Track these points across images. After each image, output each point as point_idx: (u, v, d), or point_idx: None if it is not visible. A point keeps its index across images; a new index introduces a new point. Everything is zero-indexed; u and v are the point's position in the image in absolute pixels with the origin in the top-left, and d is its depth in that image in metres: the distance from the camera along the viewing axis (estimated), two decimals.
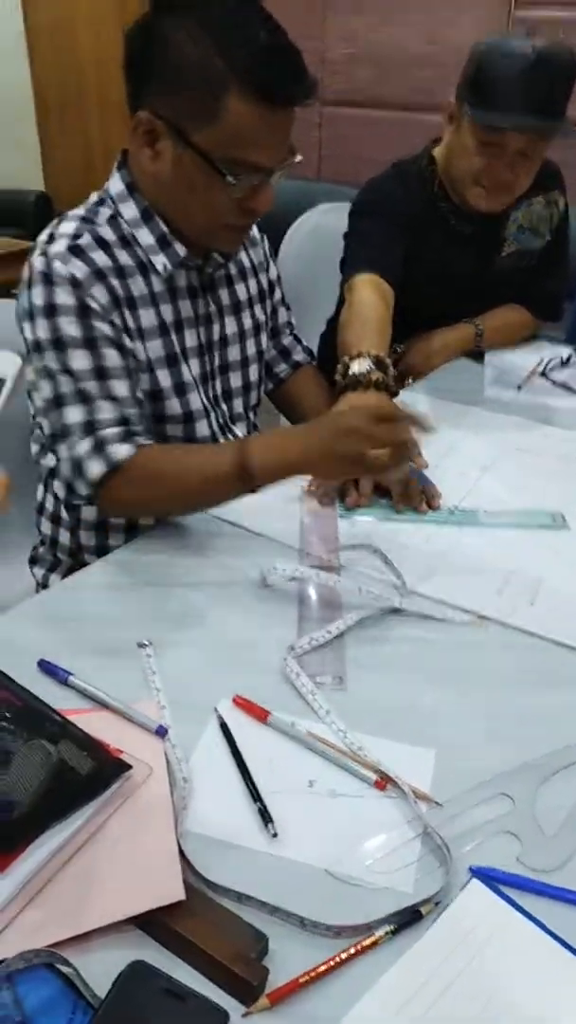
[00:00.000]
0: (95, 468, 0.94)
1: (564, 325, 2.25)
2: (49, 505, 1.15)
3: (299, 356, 1.32)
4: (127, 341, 0.98)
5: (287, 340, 1.30)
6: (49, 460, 1.08)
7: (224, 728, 0.74)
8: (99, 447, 0.94)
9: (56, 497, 1.13)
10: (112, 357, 0.95)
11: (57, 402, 0.95)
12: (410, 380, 1.50)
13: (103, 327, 0.94)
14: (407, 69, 3.27)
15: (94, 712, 0.75)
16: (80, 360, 0.93)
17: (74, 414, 0.94)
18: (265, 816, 0.66)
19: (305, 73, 0.88)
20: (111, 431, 0.94)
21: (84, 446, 0.94)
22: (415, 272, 1.49)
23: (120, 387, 0.96)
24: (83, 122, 4.21)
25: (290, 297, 1.84)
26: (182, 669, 0.81)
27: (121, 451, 0.94)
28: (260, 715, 0.76)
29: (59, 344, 0.93)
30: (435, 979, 0.56)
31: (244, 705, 0.77)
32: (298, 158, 0.94)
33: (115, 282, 0.96)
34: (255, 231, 1.19)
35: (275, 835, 0.65)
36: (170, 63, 0.87)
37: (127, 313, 0.98)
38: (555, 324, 1.72)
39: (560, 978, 0.56)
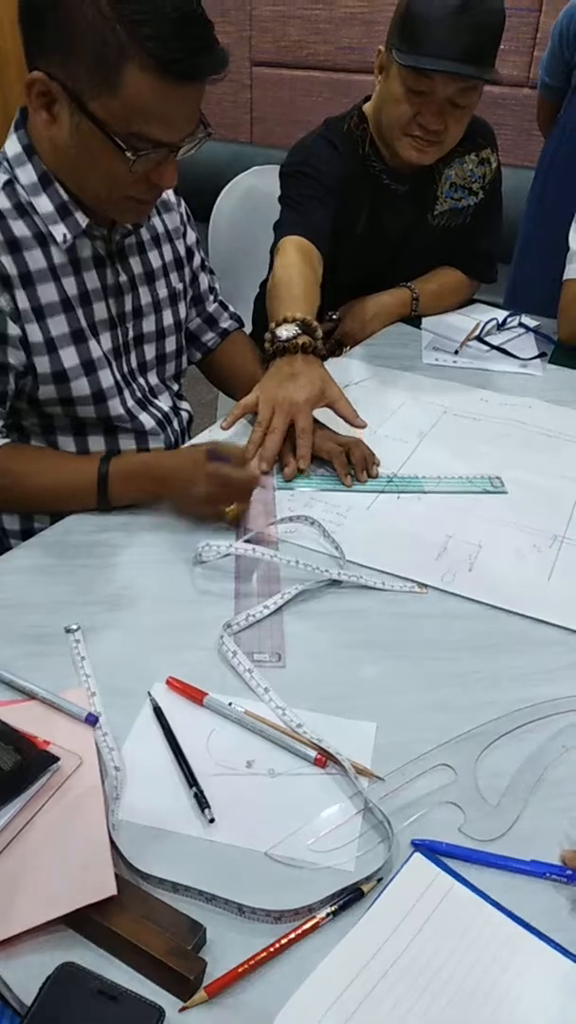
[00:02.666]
0: None
1: (502, 289, 2.26)
2: None
3: (226, 323, 1.28)
4: (10, 327, 0.92)
5: (212, 307, 1.26)
6: None
7: (158, 712, 0.72)
8: None
9: None
10: None
11: None
12: (347, 347, 1.48)
13: None
14: (337, 27, 3.21)
15: (20, 703, 0.72)
16: None
17: None
18: (201, 801, 0.64)
19: (213, 45, 0.81)
20: None
21: None
22: (348, 234, 1.46)
23: None
24: None
25: (223, 261, 1.80)
26: (113, 653, 0.78)
27: None
28: (196, 697, 0.73)
29: None
30: (377, 958, 0.55)
31: (179, 687, 0.74)
32: (209, 131, 0.89)
33: (7, 258, 0.90)
34: (170, 195, 1.13)
35: (212, 820, 0.63)
36: (64, 22, 0.79)
37: (19, 293, 0.91)
38: (491, 287, 1.71)
39: (504, 949, 0.56)
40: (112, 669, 0.76)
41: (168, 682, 0.75)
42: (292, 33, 3.34)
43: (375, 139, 1.45)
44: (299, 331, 1.11)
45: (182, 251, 1.14)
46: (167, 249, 1.11)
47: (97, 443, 1.06)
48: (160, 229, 1.10)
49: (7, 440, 0.97)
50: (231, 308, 1.29)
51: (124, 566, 0.89)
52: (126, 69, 0.79)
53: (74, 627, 0.80)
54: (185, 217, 1.16)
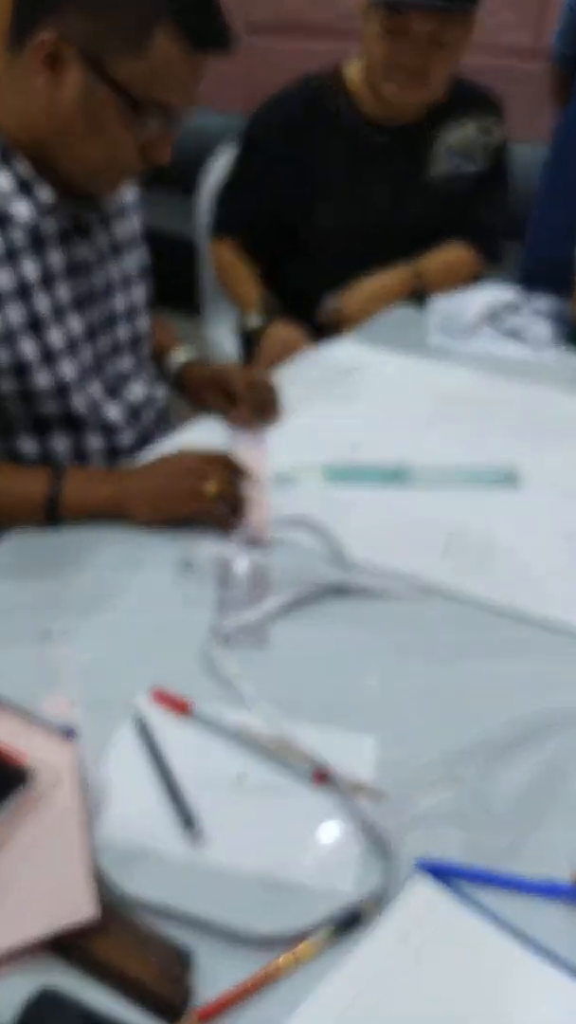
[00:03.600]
0: None
1: (514, 268, 2.26)
2: None
3: None
4: None
5: None
6: None
7: (143, 728, 0.72)
8: None
9: None
10: None
11: None
12: (346, 330, 1.48)
13: None
14: None
15: None
16: None
17: None
18: (188, 819, 0.64)
19: (226, 23, 0.89)
20: None
21: None
22: (324, 194, 1.51)
23: None
24: None
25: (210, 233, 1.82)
26: (93, 660, 0.78)
27: None
28: (182, 707, 0.73)
29: None
30: (376, 985, 0.55)
31: (164, 699, 0.74)
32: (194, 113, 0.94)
33: None
34: None
35: (200, 839, 0.63)
36: None
37: None
38: (503, 265, 1.71)
39: (515, 977, 0.56)
40: (92, 677, 0.76)
41: (154, 693, 0.75)
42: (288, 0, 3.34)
43: (354, 93, 1.49)
44: (264, 316, 1.31)
45: (138, 226, 1.14)
46: (135, 220, 1.11)
47: (62, 442, 1.05)
48: (125, 199, 1.09)
49: None
50: None
51: (105, 566, 0.89)
52: (157, 33, 0.84)
53: (53, 632, 0.80)
54: (139, 192, 1.16)
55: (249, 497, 0.97)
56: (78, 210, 0.99)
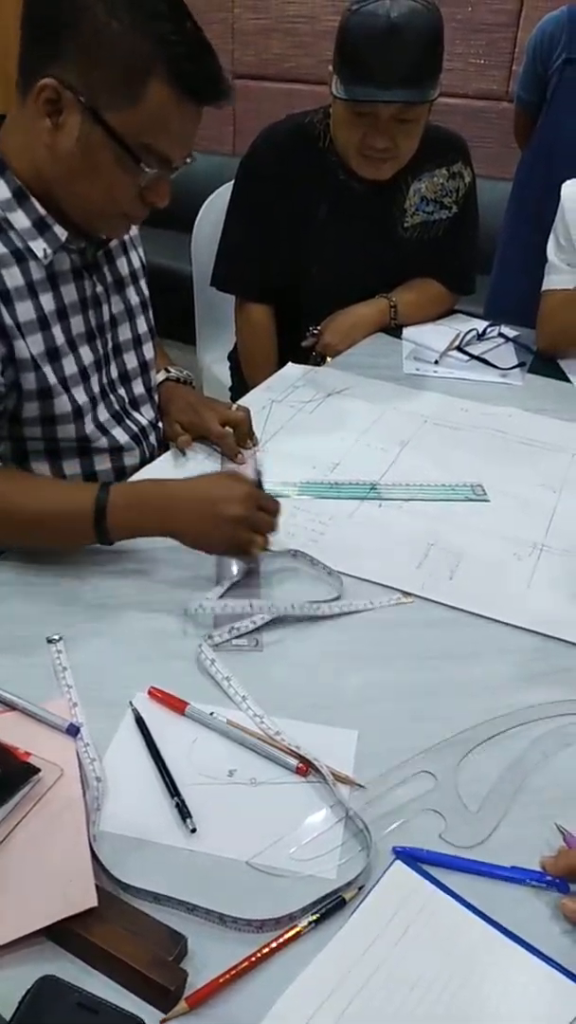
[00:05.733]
0: None
1: (481, 299, 2.28)
2: None
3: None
4: None
5: None
6: None
7: (140, 722, 0.71)
8: None
9: None
10: None
11: None
12: (328, 359, 1.48)
13: None
14: (319, 40, 3.23)
15: (0, 714, 0.71)
16: None
17: None
18: (183, 811, 0.64)
19: (224, 76, 0.86)
20: None
21: None
22: (309, 223, 1.50)
23: None
24: None
25: (205, 273, 1.81)
26: (94, 663, 0.77)
27: None
28: (178, 706, 0.73)
29: None
30: (359, 967, 0.55)
31: (161, 697, 0.74)
32: (194, 156, 0.92)
33: None
34: None
35: (194, 830, 0.62)
36: (88, 33, 0.80)
37: (1, 310, 0.89)
38: (471, 297, 1.73)
39: (485, 956, 0.56)
40: (94, 679, 0.76)
41: (150, 692, 0.74)
42: (274, 46, 3.36)
43: (336, 139, 1.46)
44: None
45: (144, 257, 1.14)
46: (134, 256, 1.11)
47: (72, 466, 1.03)
48: (125, 236, 1.08)
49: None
50: None
51: (105, 575, 0.89)
52: (151, 83, 0.82)
53: (56, 637, 0.79)
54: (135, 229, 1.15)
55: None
56: (86, 249, 0.98)
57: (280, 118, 1.55)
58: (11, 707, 0.72)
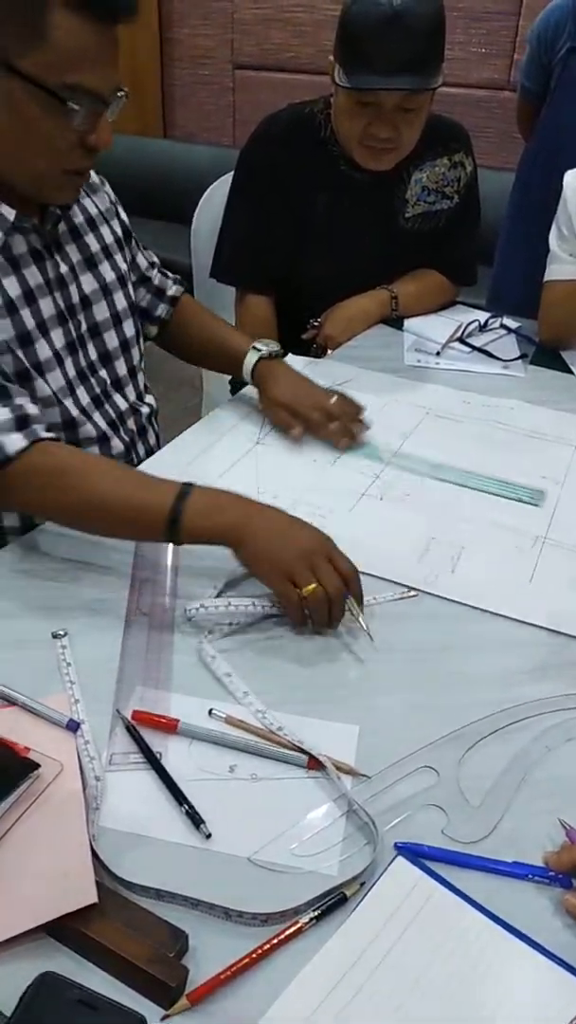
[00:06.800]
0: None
1: (483, 290, 2.27)
2: None
3: (172, 290, 1.24)
4: None
5: (157, 279, 1.23)
6: None
7: (131, 730, 0.70)
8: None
9: None
10: None
11: None
12: (329, 350, 1.48)
13: None
14: (319, 30, 3.21)
15: (1, 709, 0.71)
16: None
17: None
18: (195, 818, 0.63)
19: None
20: None
21: None
22: (309, 216, 1.49)
23: None
24: None
25: (205, 264, 1.80)
26: (98, 659, 0.77)
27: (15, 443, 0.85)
28: (169, 726, 0.70)
29: None
30: (361, 963, 0.54)
31: (146, 719, 0.71)
32: (125, 91, 0.87)
33: None
34: (94, 176, 1.09)
35: (209, 835, 0.62)
36: None
37: None
38: (472, 288, 1.72)
39: (487, 951, 0.56)
40: (94, 676, 0.75)
41: (134, 715, 0.71)
42: (274, 36, 3.34)
43: (337, 130, 1.45)
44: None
45: (119, 231, 1.11)
46: (105, 231, 1.07)
47: None
48: (92, 211, 1.06)
49: (51, 436, 0.88)
50: (172, 275, 1.26)
51: (110, 569, 0.88)
52: (52, 13, 0.78)
53: (61, 632, 0.79)
54: (112, 198, 1.12)
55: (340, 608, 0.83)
56: (40, 226, 0.95)
57: (280, 108, 1.54)
58: (11, 702, 0.71)
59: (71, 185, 0.93)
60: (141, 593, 0.85)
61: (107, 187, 1.12)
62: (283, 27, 3.30)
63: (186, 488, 0.84)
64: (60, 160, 0.87)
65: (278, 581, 0.81)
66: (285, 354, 1.24)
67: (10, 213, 0.89)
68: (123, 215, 1.14)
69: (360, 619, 0.81)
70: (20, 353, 0.92)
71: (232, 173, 1.61)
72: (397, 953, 0.55)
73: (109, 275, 1.07)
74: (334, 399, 1.16)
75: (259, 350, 1.20)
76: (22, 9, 0.78)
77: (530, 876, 0.60)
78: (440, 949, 0.55)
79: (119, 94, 0.86)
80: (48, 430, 0.90)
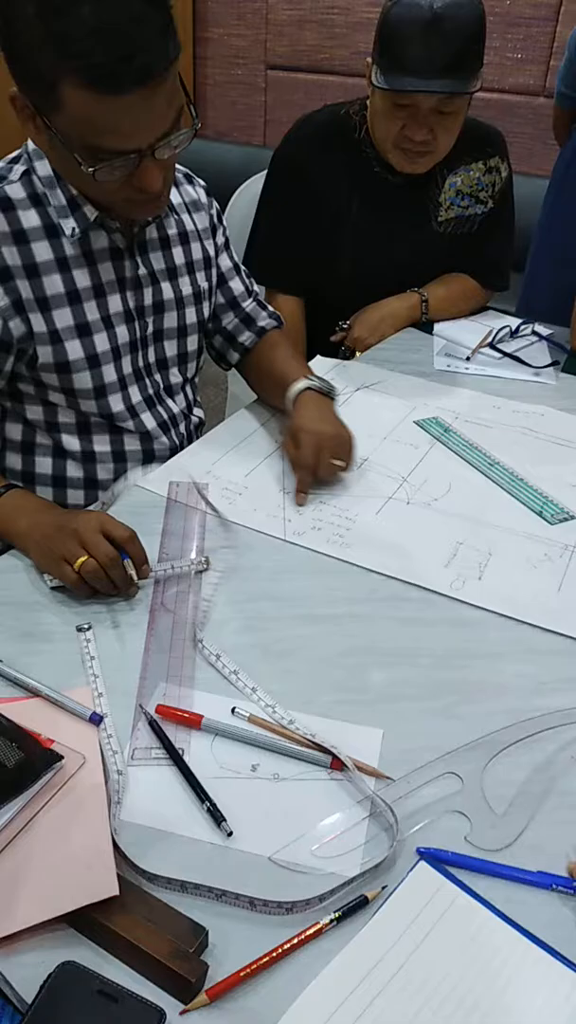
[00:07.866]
0: None
1: (514, 296, 2.26)
2: None
3: (264, 322, 1.26)
4: (11, 316, 0.92)
5: (250, 307, 1.24)
6: None
7: (153, 725, 0.71)
8: None
9: None
10: None
11: None
12: (358, 353, 1.48)
13: None
14: (353, 32, 3.22)
15: (25, 700, 0.72)
16: None
17: None
18: (216, 815, 0.63)
19: (135, 55, 0.76)
20: None
21: None
22: (343, 216, 1.49)
23: None
24: None
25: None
26: (122, 654, 0.78)
27: None
28: (193, 720, 0.71)
29: None
30: (380, 967, 0.54)
31: (170, 714, 0.72)
32: (197, 125, 0.85)
33: (10, 249, 0.91)
34: (201, 194, 1.14)
35: (230, 834, 0.62)
36: (14, 46, 0.79)
37: (23, 283, 0.92)
38: (504, 294, 1.71)
39: (508, 960, 0.55)
40: (118, 670, 0.76)
41: (158, 710, 0.72)
42: (308, 37, 3.35)
43: (373, 131, 1.45)
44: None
45: (211, 251, 1.14)
46: (195, 247, 1.10)
47: (102, 442, 1.06)
48: (189, 227, 1.09)
49: None
50: (270, 308, 1.28)
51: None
52: (62, 87, 0.77)
53: (86, 626, 0.80)
54: (216, 218, 1.16)
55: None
56: (125, 228, 0.99)
57: (311, 109, 1.55)
58: (35, 693, 0.72)
59: (140, 208, 0.93)
60: (166, 589, 0.86)
61: (213, 208, 1.16)
62: (317, 28, 3.31)
63: (7, 487, 0.91)
64: (108, 195, 0.89)
65: (54, 565, 0.83)
66: (334, 395, 1.17)
67: (92, 213, 0.94)
68: (221, 236, 1.16)
69: (134, 574, 0.84)
70: (75, 343, 0.97)
71: (262, 173, 1.62)
72: (418, 958, 0.55)
73: (187, 289, 1.10)
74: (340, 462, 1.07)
75: (310, 380, 1.14)
76: (38, 78, 0.78)
77: (554, 886, 0.60)
78: (461, 955, 0.55)
79: (177, 132, 0.84)
80: (94, 418, 0.99)
